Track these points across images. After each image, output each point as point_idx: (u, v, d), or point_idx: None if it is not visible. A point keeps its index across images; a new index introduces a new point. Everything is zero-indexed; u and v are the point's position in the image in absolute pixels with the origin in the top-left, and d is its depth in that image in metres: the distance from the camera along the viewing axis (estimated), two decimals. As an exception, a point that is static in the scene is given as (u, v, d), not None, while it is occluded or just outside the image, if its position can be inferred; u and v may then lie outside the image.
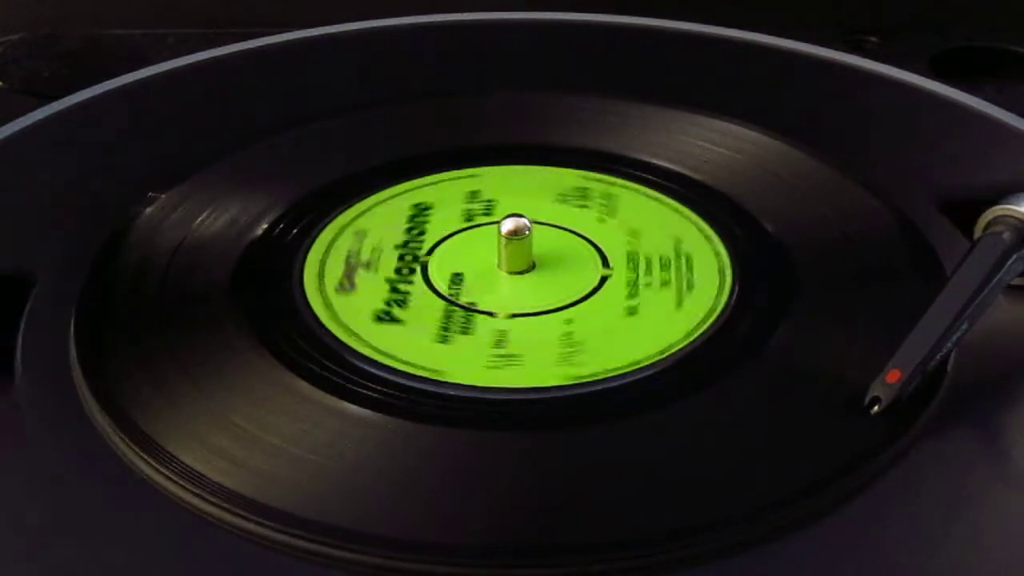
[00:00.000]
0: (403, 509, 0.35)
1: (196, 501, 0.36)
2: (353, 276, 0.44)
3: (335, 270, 0.45)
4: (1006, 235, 0.41)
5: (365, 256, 0.45)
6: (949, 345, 0.39)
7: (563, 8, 0.64)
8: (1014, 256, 0.41)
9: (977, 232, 0.42)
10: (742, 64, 0.60)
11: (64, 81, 0.59)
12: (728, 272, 0.44)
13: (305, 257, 0.45)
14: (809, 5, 0.66)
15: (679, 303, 0.43)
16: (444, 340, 0.41)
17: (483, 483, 0.36)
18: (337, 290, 0.44)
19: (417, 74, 0.59)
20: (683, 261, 0.45)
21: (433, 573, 0.34)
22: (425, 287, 0.44)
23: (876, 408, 0.38)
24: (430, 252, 0.46)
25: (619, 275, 0.45)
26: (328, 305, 0.43)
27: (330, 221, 0.47)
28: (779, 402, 0.39)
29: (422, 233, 0.47)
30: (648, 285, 0.44)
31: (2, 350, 0.41)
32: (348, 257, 0.45)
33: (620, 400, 0.39)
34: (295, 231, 0.47)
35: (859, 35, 0.64)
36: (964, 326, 0.39)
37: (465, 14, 0.64)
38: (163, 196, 0.47)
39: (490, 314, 0.43)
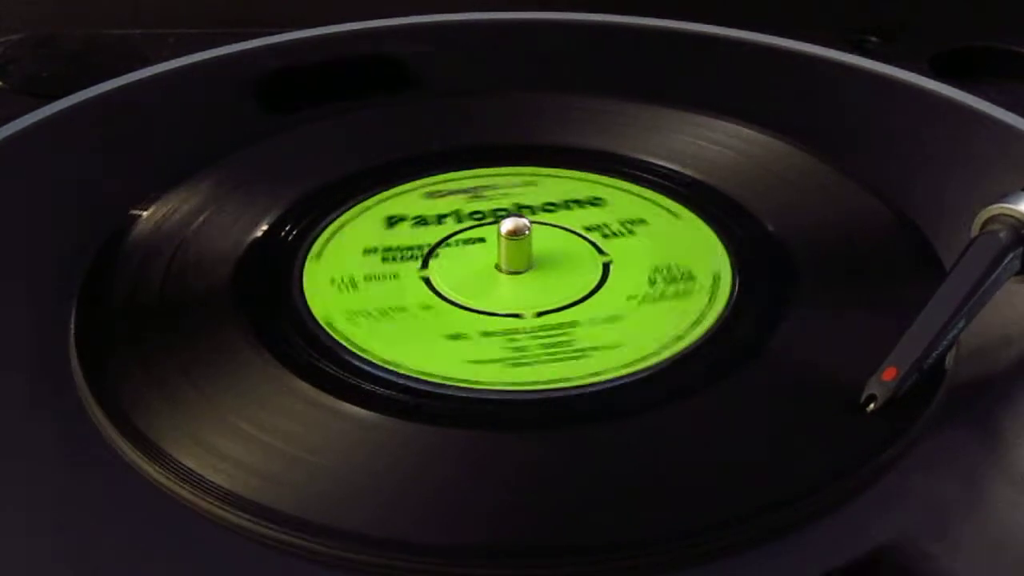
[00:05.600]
0: (403, 510, 0.35)
1: (196, 501, 0.36)
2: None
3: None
4: (1003, 233, 0.41)
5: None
6: (945, 343, 0.39)
7: (563, 8, 0.64)
8: (1010, 255, 0.41)
9: (974, 230, 0.42)
10: (742, 64, 0.60)
11: (64, 81, 0.59)
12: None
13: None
14: (809, 5, 0.66)
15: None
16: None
17: (483, 484, 0.36)
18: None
19: (417, 74, 0.59)
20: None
21: (433, 573, 0.34)
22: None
23: (872, 406, 0.38)
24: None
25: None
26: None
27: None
28: (779, 402, 0.39)
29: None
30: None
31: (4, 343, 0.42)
32: None
33: (620, 400, 0.39)
34: (295, 231, 0.47)
35: (859, 35, 0.64)
36: (960, 324, 0.39)
37: (465, 14, 0.64)
38: (146, 212, 0.47)
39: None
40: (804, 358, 0.41)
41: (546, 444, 0.38)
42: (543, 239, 0.46)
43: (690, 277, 0.44)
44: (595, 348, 0.41)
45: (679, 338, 0.41)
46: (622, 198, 0.49)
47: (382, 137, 0.53)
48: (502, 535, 0.35)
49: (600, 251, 0.46)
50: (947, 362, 0.40)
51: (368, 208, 0.48)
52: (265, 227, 0.47)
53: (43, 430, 0.39)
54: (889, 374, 0.38)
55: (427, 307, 0.43)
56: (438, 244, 0.46)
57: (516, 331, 0.42)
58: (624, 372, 0.40)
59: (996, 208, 0.42)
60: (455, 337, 0.42)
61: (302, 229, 0.47)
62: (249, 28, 0.63)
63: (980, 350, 0.41)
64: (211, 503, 0.35)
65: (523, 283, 0.44)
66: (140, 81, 0.57)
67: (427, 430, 0.38)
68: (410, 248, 0.46)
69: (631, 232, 0.47)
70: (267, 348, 0.41)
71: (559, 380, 0.40)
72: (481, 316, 0.43)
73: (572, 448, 0.37)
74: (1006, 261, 0.41)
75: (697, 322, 0.42)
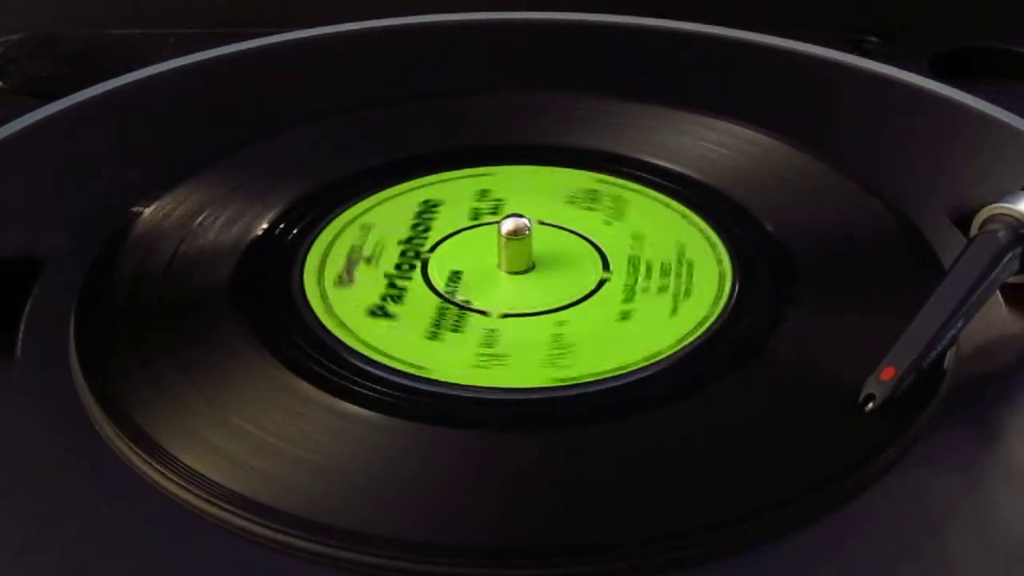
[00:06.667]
0: (402, 509, 0.35)
1: (196, 501, 0.36)
2: (354, 270, 0.45)
3: (336, 265, 0.45)
4: (1001, 233, 0.41)
5: (368, 251, 0.46)
6: (944, 343, 0.39)
7: (564, 8, 0.64)
8: (1009, 254, 0.41)
9: (973, 230, 0.42)
10: (742, 64, 0.60)
11: (64, 81, 0.59)
12: (728, 272, 0.44)
13: (305, 257, 0.45)
14: (809, 5, 0.66)
15: (679, 303, 0.43)
16: (443, 340, 0.41)
17: (482, 484, 0.36)
18: (336, 284, 0.44)
19: (418, 74, 0.59)
20: (684, 262, 0.45)
21: (432, 573, 0.34)
22: (424, 285, 0.44)
23: (870, 405, 0.38)
24: (432, 250, 0.46)
25: (619, 276, 0.45)
26: (328, 305, 0.43)
27: (330, 221, 0.47)
28: (779, 402, 0.39)
29: (427, 230, 0.47)
30: (648, 286, 0.44)
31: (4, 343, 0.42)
32: (351, 251, 0.45)
33: (619, 400, 0.39)
34: (295, 230, 0.47)
35: (859, 35, 0.64)
36: (959, 324, 0.39)
37: (466, 14, 0.64)
38: (146, 210, 0.47)
39: (487, 314, 0.43)
40: (803, 358, 0.41)
41: (546, 444, 0.38)
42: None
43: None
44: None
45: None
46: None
47: (382, 137, 0.53)
48: (502, 535, 0.35)
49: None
50: (946, 362, 0.40)
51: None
52: (265, 227, 0.47)
53: (43, 430, 0.39)
54: (887, 373, 0.38)
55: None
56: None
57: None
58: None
59: (995, 208, 0.42)
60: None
61: (302, 229, 0.47)
62: (249, 28, 0.63)
63: (979, 350, 0.41)
64: (211, 503, 0.35)
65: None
66: (140, 81, 0.57)
67: (427, 430, 0.38)
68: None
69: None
70: (267, 348, 0.41)
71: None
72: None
73: (572, 448, 0.37)
74: (1005, 260, 0.41)
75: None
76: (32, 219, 0.48)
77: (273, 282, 0.44)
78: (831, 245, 0.46)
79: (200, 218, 0.47)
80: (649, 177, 0.50)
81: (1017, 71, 0.61)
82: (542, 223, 0.47)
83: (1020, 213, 0.41)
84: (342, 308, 0.43)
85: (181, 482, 0.36)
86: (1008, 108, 0.53)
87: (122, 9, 0.68)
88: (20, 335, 0.42)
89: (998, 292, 0.42)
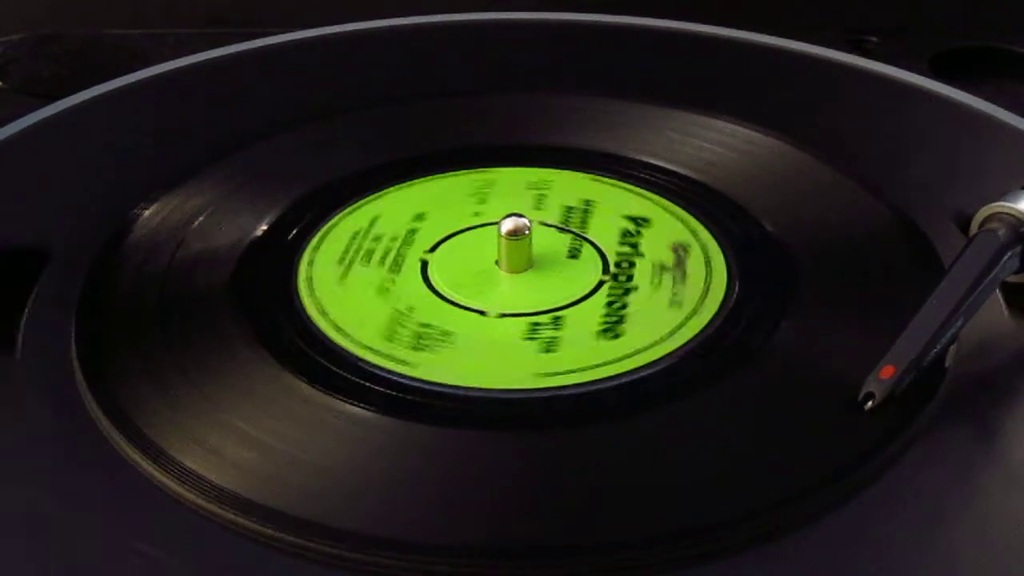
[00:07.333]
0: (402, 510, 0.35)
1: (196, 501, 0.36)
2: (684, 261, 0.45)
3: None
4: (1001, 232, 0.41)
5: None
6: (944, 341, 0.39)
7: (563, 8, 0.64)
8: (1009, 253, 0.41)
9: (973, 229, 0.42)
10: (742, 64, 0.60)
11: (64, 81, 0.59)
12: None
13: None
14: (809, 5, 0.66)
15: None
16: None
17: (483, 484, 0.36)
18: (670, 268, 0.44)
19: (418, 74, 0.59)
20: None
21: (431, 573, 0.34)
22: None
23: (870, 404, 0.38)
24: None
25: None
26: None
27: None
28: (778, 402, 0.39)
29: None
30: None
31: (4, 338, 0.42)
32: (675, 246, 0.45)
33: (619, 400, 0.39)
34: (295, 231, 0.47)
35: (859, 35, 0.64)
36: (959, 322, 0.39)
37: (466, 14, 0.64)
38: (146, 211, 0.47)
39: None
40: (803, 358, 0.41)
41: (546, 444, 0.38)
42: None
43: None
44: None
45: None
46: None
47: (382, 137, 0.53)
48: (502, 535, 0.35)
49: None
50: (946, 360, 0.40)
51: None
52: (265, 227, 0.47)
53: (43, 430, 0.39)
54: (887, 372, 0.38)
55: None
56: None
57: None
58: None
59: (995, 206, 0.42)
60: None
61: (302, 229, 0.47)
62: (249, 28, 0.63)
63: (979, 349, 0.41)
64: (211, 503, 0.35)
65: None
66: (140, 81, 0.57)
67: (426, 430, 0.38)
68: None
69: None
70: (267, 348, 0.41)
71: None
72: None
73: (572, 448, 0.37)
74: (1004, 259, 0.41)
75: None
76: (32, 219, 0.48)
77: (273, 282, 0.44)
78: (831, 245, 0.46)
79: (200, 218, 0.47)
80: (649, 177, 0.50)
81: (1017, 71, 0.61)
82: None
83: (1020, 212, 0.41)
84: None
85: (181, 483, 0.36)
86: (1008, 108, 0.53)
87: (122, 9, 0.68)
88: (21, 335, 0.42)
89: (998, 291, 0.42)
